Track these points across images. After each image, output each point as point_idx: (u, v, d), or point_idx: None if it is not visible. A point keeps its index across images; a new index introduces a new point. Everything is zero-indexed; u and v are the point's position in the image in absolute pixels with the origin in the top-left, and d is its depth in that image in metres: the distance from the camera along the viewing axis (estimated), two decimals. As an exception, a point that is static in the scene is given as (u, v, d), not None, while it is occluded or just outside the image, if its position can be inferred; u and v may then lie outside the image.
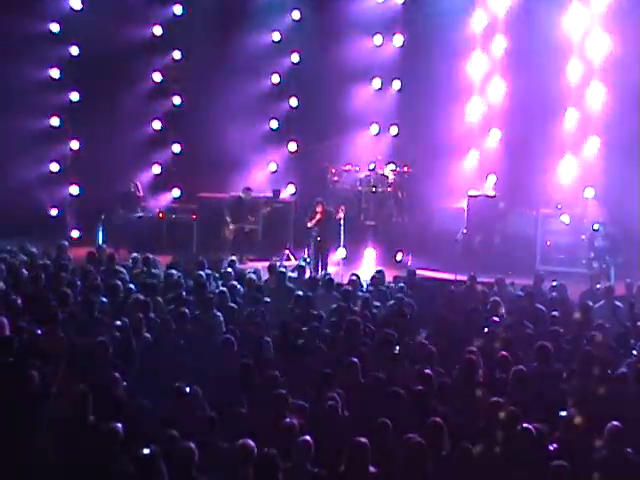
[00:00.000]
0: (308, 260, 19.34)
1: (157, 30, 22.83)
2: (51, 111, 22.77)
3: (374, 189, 21.68)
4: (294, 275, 16.34)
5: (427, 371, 10.29)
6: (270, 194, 22.16)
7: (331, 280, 15.51)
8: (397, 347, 11.54)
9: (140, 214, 20.47)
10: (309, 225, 19.36)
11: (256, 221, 20.91)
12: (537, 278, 15.86)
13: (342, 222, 19.41)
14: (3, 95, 21.58)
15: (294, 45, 22.61)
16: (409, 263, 19.48)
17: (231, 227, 20.57)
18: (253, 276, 15.49)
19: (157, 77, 22.95)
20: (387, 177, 21.78)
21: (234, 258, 17.88)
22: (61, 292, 13.07)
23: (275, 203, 22.06)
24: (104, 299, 13.15)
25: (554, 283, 15.74)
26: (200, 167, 22.35)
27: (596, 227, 18.67)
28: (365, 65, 21.92)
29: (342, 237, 19.45)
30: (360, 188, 21.75)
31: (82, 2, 22.48)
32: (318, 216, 19.24)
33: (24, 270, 14.91)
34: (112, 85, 21.79)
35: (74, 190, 22.89)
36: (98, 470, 8.11)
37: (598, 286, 16.72)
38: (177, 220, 22.08)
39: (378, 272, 16.17)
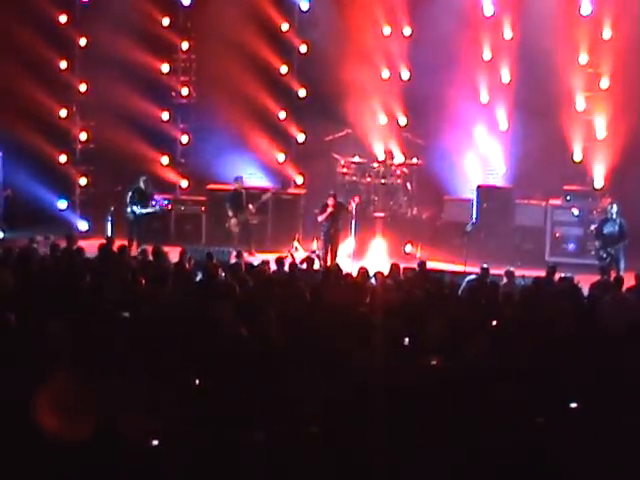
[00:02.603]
0: (317, 252, 19.33)
1: (165, 20, 22.84)
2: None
3: (383, 181, 21.67)
4: (303, 267, 16.32)
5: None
6: (268, 184, 22.16)
7: (340, 271, 15.48)
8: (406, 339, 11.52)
9: (150, 210, 20.31)
10: (320, 219, 19.31)
11: (257, 210, 20.78)
12: (549, 269, 15.73)
13: (354, 213, 19.40)
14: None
15: (302, 35, 22.58)
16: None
17: (233, 220, 20.51)
18: (262, 268, 15.49)
19: (165, 68, 22.98)
20: (396, 168, 21.75)
21: (242, 250, 17.91)
22: (71, 284, 13.06)
23: (283, 195, 22.08)
24: (114, 291, 13.14)
25: (563, 275, 15.66)
26: (208, 158, 22.36)
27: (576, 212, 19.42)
28: (374, 54, 21.87)
29: (353, 229, 19.44)
30: (369, 180, 21.73)
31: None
32: (329, 209, 19.18)
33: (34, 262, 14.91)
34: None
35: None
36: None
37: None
38: (186, 212, 22.09)
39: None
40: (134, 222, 19.99)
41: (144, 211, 20.01)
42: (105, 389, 8.99)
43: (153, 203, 20.43)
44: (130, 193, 20.07)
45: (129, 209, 19.97)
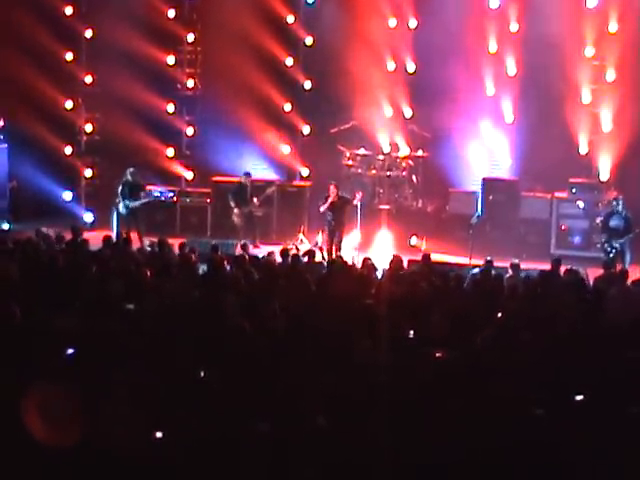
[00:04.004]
0: (320, 244, 19.33)
1: (170, 12, 22.83)
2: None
3: (388, 173, 21.65)
4: (305, 259, 16.32)
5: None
6: (274, 177, 22.17)
7: (344, 263, 15.49)
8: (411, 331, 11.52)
9: (144, 200, 20.23)
10: (322, 209, 19.33)
11: (261, 203, 20.76)
12: (554, 262, 15.66)
13: (358, 207, 19.43)
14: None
15: (308, 27, 22.56)
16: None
17: (236, 212, 20.50)
18: (269, 259, 15.50)
19: (170, 59, 22.97)
20: (401, 161, 21.74)
21: (247, 242, 17.93)
22: (77, 276, 13.08)
23: (289, 187, 22.08)
24: (119, 283, 13.14)
25: (569, 267, 15.60)
26: (213, 150, 22.37)
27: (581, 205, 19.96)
28: (379, 47, 21.83)
29: (358, 221, 19.46)
30: (374, 172, 21.72)
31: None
32: (330, 199, 19.19)
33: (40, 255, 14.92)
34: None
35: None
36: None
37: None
38: (191, 204, 22.08)
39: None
40: (129, 216, 19.86)
41: (136, 204, 19.89)
42: (107, 385, 9.01)
43: (144, 194, 20.27)
44: (120, 188, 19.88)
45: (121, 205, 19.82)
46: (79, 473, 7.82)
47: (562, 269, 15.48)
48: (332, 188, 19.26)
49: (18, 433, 8.09)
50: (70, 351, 10.39)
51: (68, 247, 15.73)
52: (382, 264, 15.98)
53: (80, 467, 7.81)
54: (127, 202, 19.75)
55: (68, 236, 16.51)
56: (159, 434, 8.18)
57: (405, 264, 16.65)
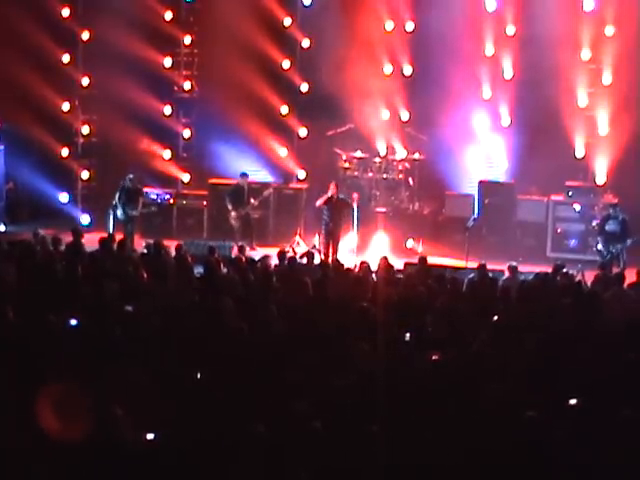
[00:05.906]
0: (318, 246, 19.34)
1: (167, 15, 22.83)
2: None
3: (385, 175, 21.65)
4: (303, 261, 16.33)
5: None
6: (271, 179, 22.17)
7: (340, 266, 15.49)
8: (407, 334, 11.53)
9: (141, 210, 20.19)
10: (317, 203, 19.36)
11: (259, 204, 20.78)
12: (557, 267, 15.61)
13: (355, 209, 19.44)
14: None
15: (305, 30, 22.57)
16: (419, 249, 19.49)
17: (233, 214, 20.50)
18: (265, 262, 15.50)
19: (167, 62, 22.98)
20: (398, 163, 21.74)
21: (243, 244, 17.93)
22: (75, 278, 13.09)
23: (285, 189, 22.09)
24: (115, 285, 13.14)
25: (564, 270, 15.59)
26: (210, 152, 22.38)
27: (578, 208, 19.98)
28: (376, 49, 21.84)
29: (355, 224, 19.48)
30: (371, 174, 21.72)
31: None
32: (328, 194, 19.16)
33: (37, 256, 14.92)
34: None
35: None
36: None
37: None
38: (188, 206, 22.08)
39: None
40: (126, 221, 19.77)
41: (134, 213, 19.80)
42: (105, 385, 9.01)
43: (142, 200, 20.19)
44: (117, 194, 19.74)
45: (120, 211, 19.71)
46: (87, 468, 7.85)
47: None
48: (332, 186, 19.25)
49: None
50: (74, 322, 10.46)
51: (67, 249, 15.69)
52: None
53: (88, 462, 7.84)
54: (127, 210, 19.63)
55: (66, 238, 16.45)
56: (150, 435, 8.20)
57: (402, 267, 16.67)
